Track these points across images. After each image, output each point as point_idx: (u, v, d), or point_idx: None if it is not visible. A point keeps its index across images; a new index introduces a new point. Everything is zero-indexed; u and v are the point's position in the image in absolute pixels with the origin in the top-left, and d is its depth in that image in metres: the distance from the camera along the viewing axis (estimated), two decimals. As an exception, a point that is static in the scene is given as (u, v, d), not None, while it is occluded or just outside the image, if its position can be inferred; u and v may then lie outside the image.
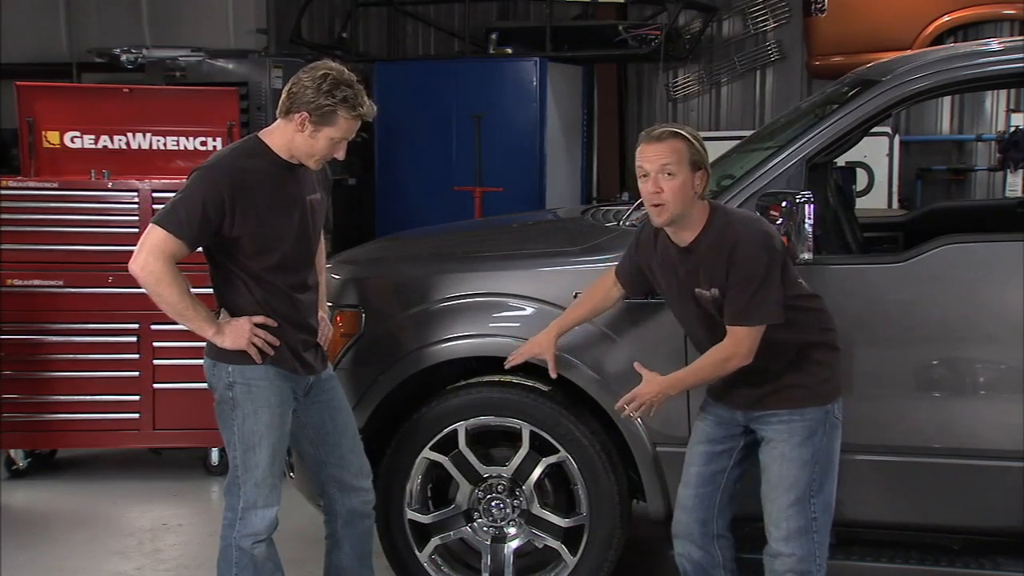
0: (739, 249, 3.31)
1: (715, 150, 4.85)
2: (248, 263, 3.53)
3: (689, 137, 3.38)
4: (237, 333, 3.51)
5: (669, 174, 3.33)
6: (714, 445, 3.59)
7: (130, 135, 6.30)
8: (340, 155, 3.56)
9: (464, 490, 4.12)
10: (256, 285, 3.55)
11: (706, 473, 3.60)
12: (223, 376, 3.58)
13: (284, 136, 3.54)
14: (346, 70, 3.52)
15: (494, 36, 9.99)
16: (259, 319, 3.54)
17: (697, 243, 3.40)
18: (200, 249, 3.56)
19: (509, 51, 9.77)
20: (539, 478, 4.06)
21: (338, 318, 4.10)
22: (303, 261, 3.64)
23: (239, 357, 3.54)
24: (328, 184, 3.83)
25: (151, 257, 3.41)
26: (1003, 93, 8.59)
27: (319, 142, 3.49)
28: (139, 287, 5.98)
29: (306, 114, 3.46)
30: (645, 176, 3.38)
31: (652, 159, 3.36)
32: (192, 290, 3.49)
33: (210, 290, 3.64)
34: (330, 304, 4.05)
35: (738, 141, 5.02)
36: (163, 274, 3.41)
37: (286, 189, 3.56)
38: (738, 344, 3.36)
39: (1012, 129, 8.10)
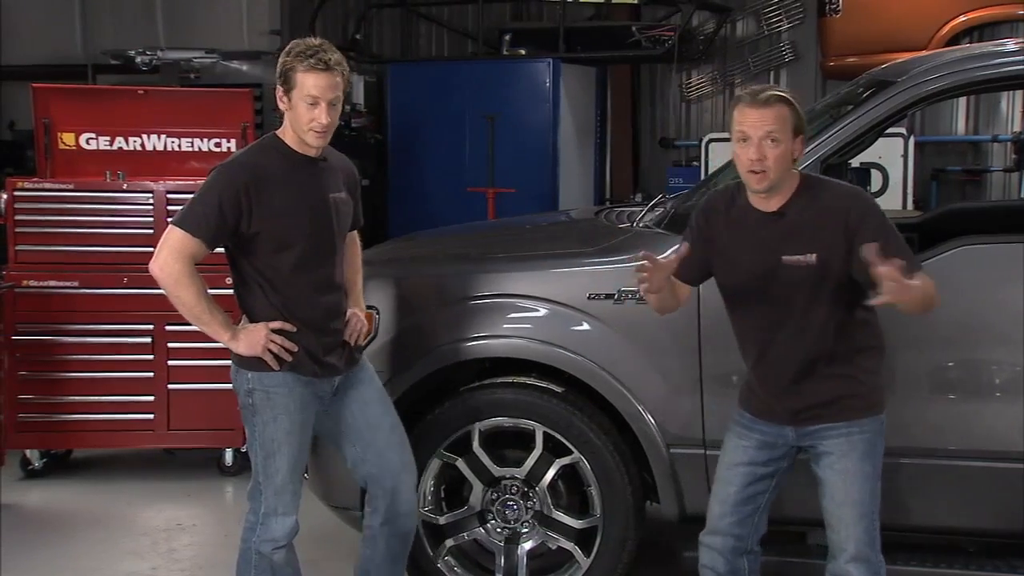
0: (855, 206, 3.20)
1: (729, 152, 4.86)
2: (266, 262, 3.50)
3: (794, 102, 3.24)
4: (252, 340, 3.49)
5: (773, 140, 3.17)
6: (757, 468, 3.41)
7: (145, 136, 6.31)
8: (322, 117, 3.42)
9: (478, 491, 4.12)
10: (273, 290, 3.52)
11: (746, 495, 3.43)
12: (243, 382, 3.57)
13: (286, 125, 3.53)
14: (318, 39, 3.49)
15: (507, 37, 9.99)
16: (276, 324, 3.50)
17: (789, 207, 3.26)
18: (222, 251, 3.54)
19: (522, 52, 9.77)
20: (553, 479, 4.06)
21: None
22: (324, 259, 3.58)
23: (258, 364, 3.51)
24: (355, 184, 3.76)
25: (170, 258, 3.41)
26: (1019, 94, 8.55)
27: (297, 110, 3.43)
28: (154, 287, 6.00)
29: (280, 88, 3.45)
30: (744, 140, 3.20)
31: (756, 124, 3.18)
32: (211, 292, 3.47)
33: (229, 291, 3.63)
34: None
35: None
36: (181, 275, 3.40)
37: (304, 185, 3.52)
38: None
39: (1028, 130, 8.07)
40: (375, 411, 3.75)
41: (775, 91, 3.24)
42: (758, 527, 3.49)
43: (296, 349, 3.52)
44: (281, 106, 3.49)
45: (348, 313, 3.71)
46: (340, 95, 3.47)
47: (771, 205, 3.27)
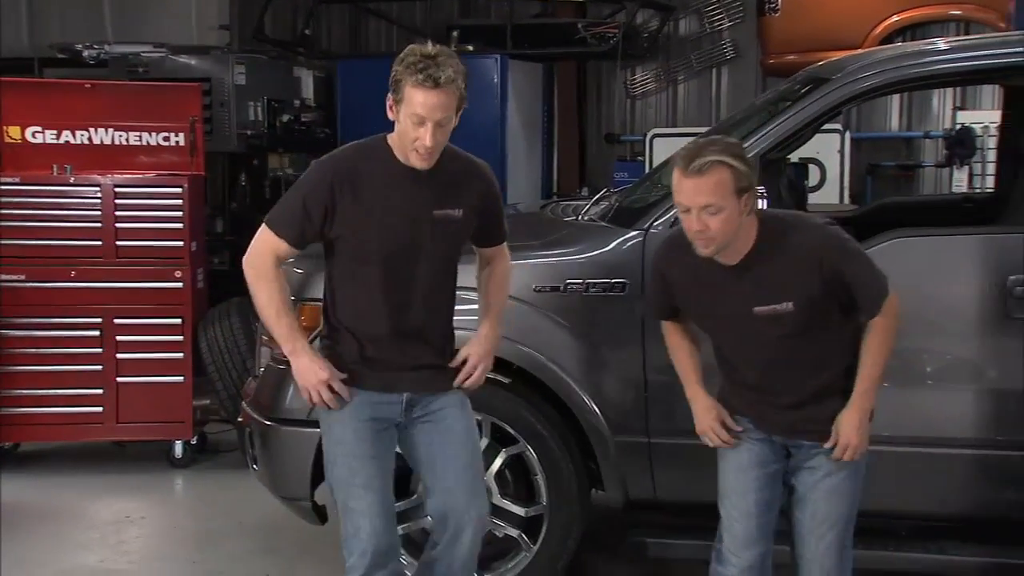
0: (827, 248, 3.09)
1: (672, 146, 4.96)
2: (344, 271, 3.32)
3: (732, 163, 2.98)
4: (307, 375, 3.29)
5: (714, 213, 2.97)
6: (767, 466, 3.25)
7: (92, 130, 6.31)
8: (426, 139, 3.12)
9: (426, 480, 4.17)
10: (344, 305, 3.34)
11: (764, 500, 3.24)
12: None
13: (396, 132, 3.27)
14: (440, 47, 3.18)
15: (455, 33, 10.01)
16: (335, 383, 3.28)
17: (750, 259, 3.09)
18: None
19: (470, 48, 9.79)
20: (499, 468, 4.11)
21: (301, 312, 4.10)
22: (410, 277, 3.28)
23: None
24: (483, 195, 3.45)
25: (256, 255, 3.29)
26: (949, 91, 8.74)
27: (403, 124, 3.16)
28: (102, 281, 6.01)
29: (390, 95, 3.20)
30: (686, 211, 3.02)
31: (692, 197, 2.98)
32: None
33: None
34: (293, 298, 3.79)
35: (694, 138, 5.10)
36: (260, 274, 3.28)
37: (400, 196, 3.25)
38: (892, 318, 3.13)
39: (958, 126, 8.26)
40: (455, 445, 3.43)
41: (711, 154, 2.99)
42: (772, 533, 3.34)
43: (338, 407, 3.31)
44: (390, 115, 3.22)
45: (464, 352, 3.44)
46: (451, 115, 3.16)
47: (730, 260, 3.10)
